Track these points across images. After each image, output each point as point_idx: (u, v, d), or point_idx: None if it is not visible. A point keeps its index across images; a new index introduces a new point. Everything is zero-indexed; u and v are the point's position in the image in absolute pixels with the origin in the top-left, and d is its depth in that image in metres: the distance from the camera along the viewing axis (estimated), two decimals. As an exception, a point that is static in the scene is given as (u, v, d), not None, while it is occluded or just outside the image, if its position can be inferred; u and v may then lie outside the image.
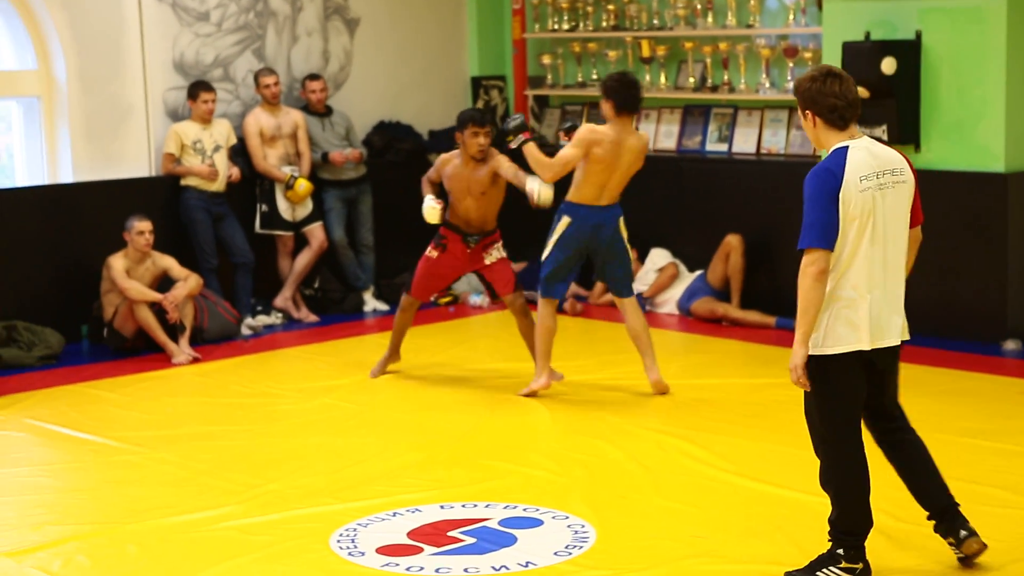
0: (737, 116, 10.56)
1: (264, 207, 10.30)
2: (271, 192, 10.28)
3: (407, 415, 7.59)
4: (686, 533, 5.55)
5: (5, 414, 7.73)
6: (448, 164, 8.11)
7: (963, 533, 5.01)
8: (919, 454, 5.06)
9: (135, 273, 9.12)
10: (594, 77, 11.36)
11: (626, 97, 7.60)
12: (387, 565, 5.30)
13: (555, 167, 7.58)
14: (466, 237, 8.07)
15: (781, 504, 5.86)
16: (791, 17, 10.12)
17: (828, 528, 4.95)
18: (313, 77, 10.58)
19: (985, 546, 5.03)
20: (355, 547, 5.50)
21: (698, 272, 10.13)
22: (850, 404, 4.87)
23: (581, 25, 11.41)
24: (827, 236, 4.71)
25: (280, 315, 10.25)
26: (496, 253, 8.11)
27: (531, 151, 7.60)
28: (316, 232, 10.41)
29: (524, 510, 5.92)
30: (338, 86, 11.12)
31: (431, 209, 8.02)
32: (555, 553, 5.39)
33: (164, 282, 9.25)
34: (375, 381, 8.34)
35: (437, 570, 5.24)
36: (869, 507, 4.92)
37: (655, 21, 10.94)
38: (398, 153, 11.20)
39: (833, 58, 9.33)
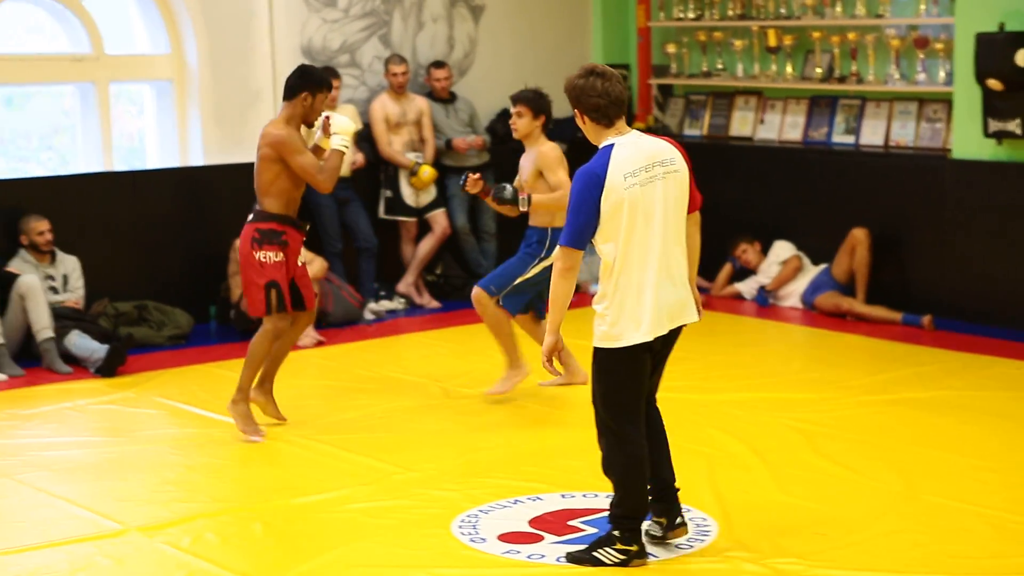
0: (865, 108, 10.43)
1: (388, 193, 10.41)
2: (395, 178, 10.38)
3: (529, 404, 7.62)
4: (808, 530, 5.51)
5: (136, 392, 7.92)
6: None
7: (678, 520, 5.30)
8: (658, 427, 5.32)
9: (262, 256, 9.25)
10: (719, 67, 11.29)
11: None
12: (508, 552, 5.33)
13: (563, 189, 7.30)
14: None
15: (908, 503, 5.80)
16: (922, 7, 9.96)
17: (608, 511, 5.21)
18: (438, 64, 10.66)
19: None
20: (476, 533, 5.54)
21: (823, 266, 10.04)
22: (634, 393, 5.10)
23: (707, 14, 11.34)
24: (580, 238, 4.98)
25: (403, 300, 10.36)
26: None
27: (539, 200, 7.32)
28: (439, 218, 10.49)
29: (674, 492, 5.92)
30: (462, 73, 11.19)
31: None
32: (677, 546, 5.38)
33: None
34: (499, 368, 8.37)
35: (558, 559, 5.27)
36: (647, 493, 5.17)
37: (782, 10, 10.83)
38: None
39: (966, 50, 9.19)
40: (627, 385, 5.10)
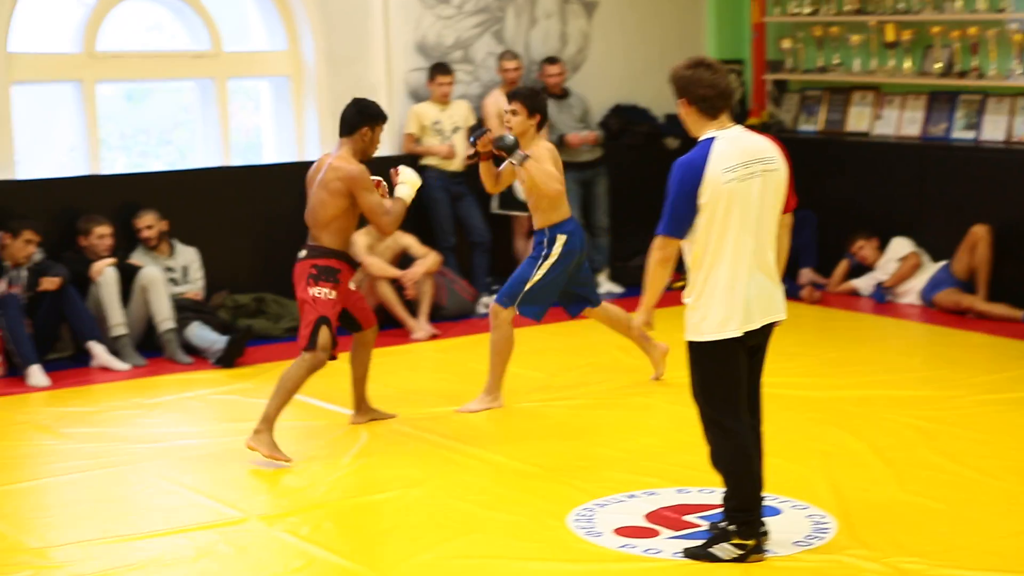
0: (986, 103, 10.25)
1: (501, 188, 10.43)
2: (508, 173, 10.40)
3: (645, 399, 7.60)
4: (932, 530, 5.44)
5: (254, 383, 8.03)
6: None
7: (761, 530, 5.19)
8: (759, 432, 5.25)
9: (376, 250, 9.36)
10: (835, 62, 11.17)
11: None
12: (624, 546, 5.33)
13: (558, 178, 7.23)
14: None
15: (1031, 503, 5.72)
16: (1047, 1, 9.79)
17: (721, 506, 5.20)
18: (551, 60, 10.67)
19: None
20: (592, 527, 5.55)
21: (942, 262, 9.89)
22: (731, 385, 5.08)
23: (823, 8, 11.22)
24: (679, 227, 4.97)
25: (515, 295, 10.37)
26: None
27: (534, 166, 7.12)
28: (551, 213, 10.48)
29: (762, 498, 5.88)
30: (575, 68, 11.19)
31: None
32: (794, 543, 5.34)
33: (404, 259, 9.47)
34: (615, 362, 8.38)
35: (674, 554, 5.25)
36: (758, 484, 5.14)
37: (900, 5, 10.68)
38: (634, 136, 11.22)
39: (1092, 44, 9.00)
40: (723, 378, 5.08)
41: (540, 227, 7.36)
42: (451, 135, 10.12)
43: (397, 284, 9.31)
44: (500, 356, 7.37)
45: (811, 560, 5.17)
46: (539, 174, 7.09)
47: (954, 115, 10.40)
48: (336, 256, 6.69)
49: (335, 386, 7.72)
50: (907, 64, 10.68)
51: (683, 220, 4.96)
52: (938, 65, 10.46)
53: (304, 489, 6.11)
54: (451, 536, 5.49)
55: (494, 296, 10.15)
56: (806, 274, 10.48)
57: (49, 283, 8.29)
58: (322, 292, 6.60)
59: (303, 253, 6.72)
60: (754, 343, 5.12)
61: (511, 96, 7.33)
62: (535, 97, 7.28)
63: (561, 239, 7.32)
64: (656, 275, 5.10)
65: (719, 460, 5.17)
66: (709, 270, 5.00)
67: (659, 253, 5.05)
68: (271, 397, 6.55)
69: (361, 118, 6.74)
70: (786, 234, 5.30)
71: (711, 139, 4.98)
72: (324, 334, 6.55)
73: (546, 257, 7.30)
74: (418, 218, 10.03)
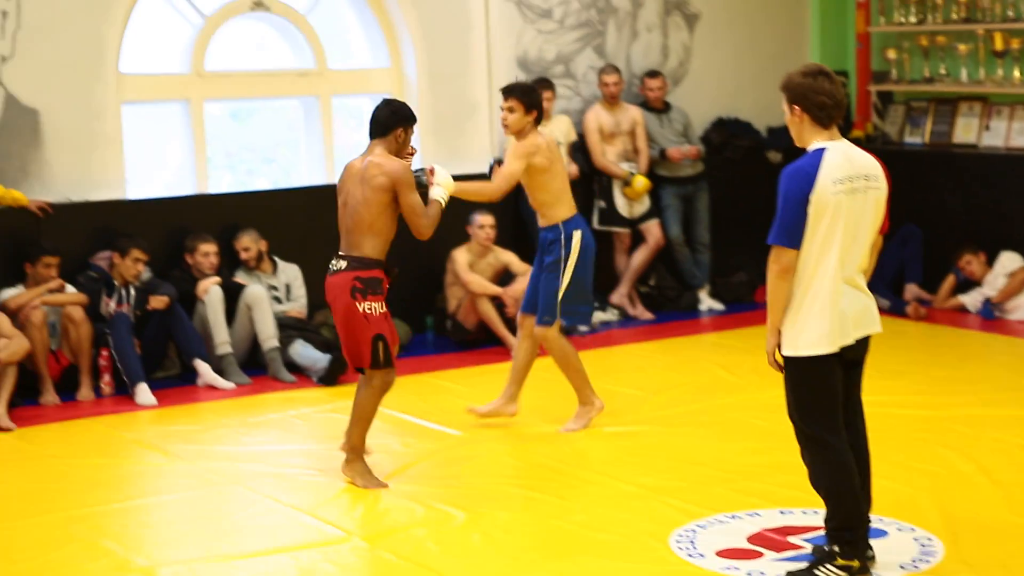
0: (1099, 114, 10.06)
1: (602, 203, 10.43)
2: (609, 188, 10.40)
3: (743, 416, 7.55)
4: (1043, 554, 5.34)
5: (355, 401, 8.08)
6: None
7: (868, 553, 5.13)
8: (860, 450, 5.17)
9: (477, 267, 9.40)
10: (942, 72, 11.01)
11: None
12: (727, 568, 5.29)
13: (508, 175, 7.08)
14: None
15: None
16: None
17: (824, 528, 5.10)
18: (652, 74, 10.65)
19: None
20: (694, 548, 5.51)
21: (1054, 278, 9.71)
22: (829, 401, 5.01)
23: (929, 18, 11.07)
24: (793, 236, 4.90)
25: (616, 311, 10.37)
26: None
27: (462, 188, 6.94)
28: (653, 229, 10.47)
29: (868, 518, 5.80)
30: (676, 82, 11.15)
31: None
32: (901, 566, 5.27)
33: (504, 276, 9.49)
34: (714, 381, 8.33)
35: (779, 577, 5.22)
36: (860, 502, 5.05)
37: (1009, 12, 10.50)
38: (736, 150, 11.15)
39: None
40: (820, 393, 5.01)
41: (550, 224, 7.22)
42: (552, 151, 10.12)
43: (498, 301, 9.33)
44: (571, 369, 7.35)
45: (916, 584, 5.11)
46: (469, 191, 7.15)
47: (1065, 126, 10.22)
48: (378, 266, 6.37)
49: (436, 405, 7.76)
50: (1016, 73, 10.50)
51: (796, 229, 4.90)
52: (1049, 75, 10.28)
53: (405, 508, 6.14)
54: (553, 557, 5.49)
55: (597, 313, 10.18)
56: (912, 290, 10.34)
57: (157, 302, 8.43)
58: (372, 308, 6.31)
59: (341, 264, 6.37)
60: (851, 357, 5.06)
61: (506, 92, 7.10)
62: (531, 93, 7.12)
63: (577, 235, 7.20)
64: (777, 289, 4.97)
65: (819, 478, 5.11)
66: (809, 282, 4.95)
67: (776, 266, 4.95)
68: (351, 425, 6.47)
69: (395, 119, 6.44)
70: (874, 255, 5.21)
71: (822, 149, 4.94)
72: (382, 351, 6.34)
73: (567, 259, 7.17)
74: (518, 235, 10.05)
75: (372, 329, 6.30)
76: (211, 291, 8.67)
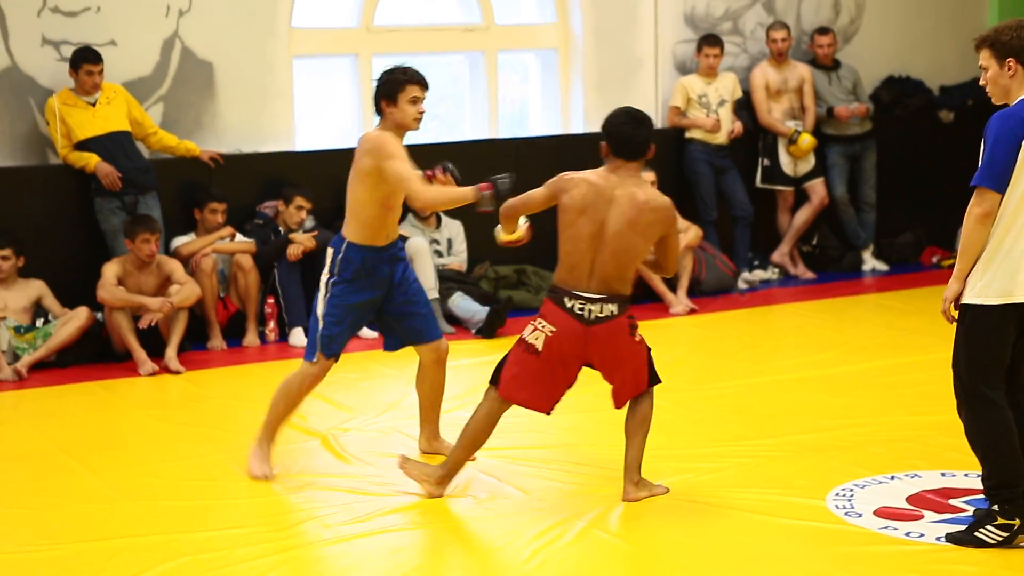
0: None
1: (766, 161, 10.28)
2: (774, 146, 10.24)
3: (904, 377, 7.38)
4: None
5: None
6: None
7: None
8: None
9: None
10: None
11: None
12: (885, 528, 5.19)
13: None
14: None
15: None
16: None
17: (983, 489, 4.97)
18: (822, 31, 10.43)
19: None
20: (852, 507, 5.42)
21: None
22: (998, 356, 4.88)
23: (1114, -26, 10.65)
24: (1000, 179, 4.74)
25: (777, 270, 10.23)
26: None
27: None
28: (817, 188, 10.29)
29: (1031, 480, 5.65)
30: (847, 39, 10.91)
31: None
32: (1066, 536, 5.11)
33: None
34: (876, 342, 8.16)
35: (938, 538, 5.09)
36: (1019, 459, 4.89)
37: None
38: (906, 109, 10.90)
39: None
40: (990, 346, 4.88)
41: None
42: (717, 108, 10.01)
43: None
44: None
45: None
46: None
47: None
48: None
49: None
50: None
51: (1004, 172, 4.75)
52: None
53: (563, 461, 6.13)
54: (710, 515, 5.42)
55: (757, 271, 10.07)
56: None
57: (295, 249, 8.45)
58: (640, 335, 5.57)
59: (612, 309, 5.34)
60: None
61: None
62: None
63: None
64: (974, 234, 4.79)
65: (976, 435, 4.98)
66: (1005, 231, 4.79)
67: (978, 209, 4.77)
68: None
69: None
70: None
71: None
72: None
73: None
74: (681, 191, 9.96)
75: (644, 347, 5.60)
76: (374, 242, 8.75)
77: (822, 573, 4.84)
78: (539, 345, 5.31)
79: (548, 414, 5.55)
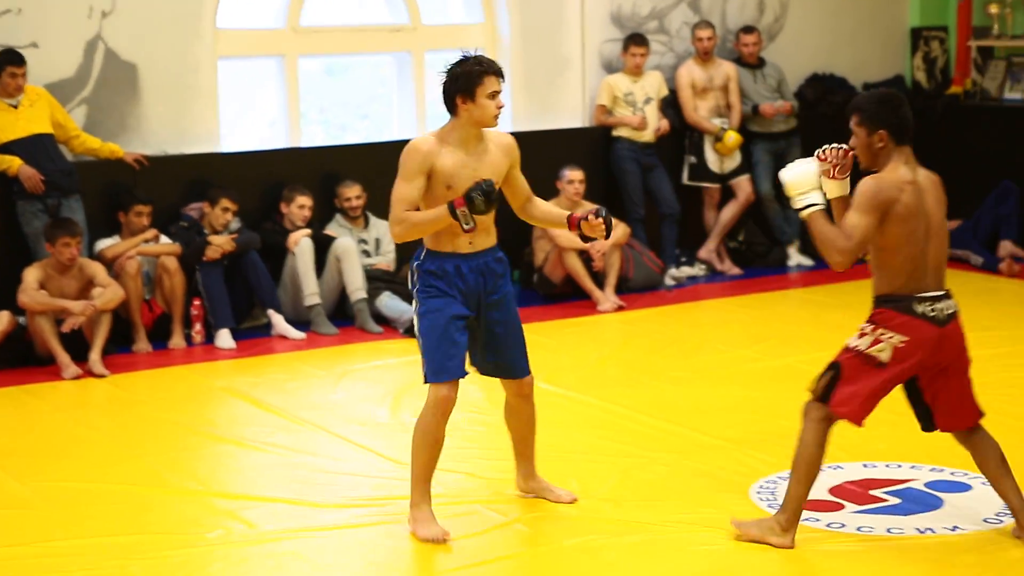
0: None
1: (692, 159, 10.33)
2: (700, 144, 10.30)
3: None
4: None
5: (442, 351, 8.10)
6: None
7: None
8: None
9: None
10: (1044, 27, 10.76)
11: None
12: (807, 520, 5.22)
13: None
14: None
15: None
16: None
17: None
18: (747, 30, 10.51)
19: None
20: (775, 499, 5.46)
21: None
22: None
23: (1031, -28, 10.81)
24: None
25: (704, 266, 10.29)
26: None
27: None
28: (743, 185, 10.36)
29: (952, 474, 5.73)
30: (772, 38, 10.99)
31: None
32: (984, 520, 5.19)
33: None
34: (801, 336, 8.23)
35: (859, 528, 5.15)
36: None
37: (1114, -34, 10.23)
38: (831, 106, 10.97)
39: None
40: None
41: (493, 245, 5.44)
42: (643, 106, 10.06)
43: (585, 255, 9.29)
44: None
45: (1001, 539, 5.02)
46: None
47: None
48: None
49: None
50: (1121, 29, 10.23)
51: None
52: None
53: (487, 457, 6.14)
54: (633, 507, 5.45)
55: (684, 268, 10.13)
56: (1006, 246, 10.12)
57: (213, 251, 8.38)
58: None
59: (954, 306, 5.00)
60: None
61: None
62: None
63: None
64: None
65: None
66: None
67: None
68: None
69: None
70: None
71: None
72: None
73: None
74: (608, 189, 10.01)
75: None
76: (301, 243, 8.73)
77: (741, 564, 4.88)
78: (884, 357, 4.92)
79: (861, 426, 5.06)
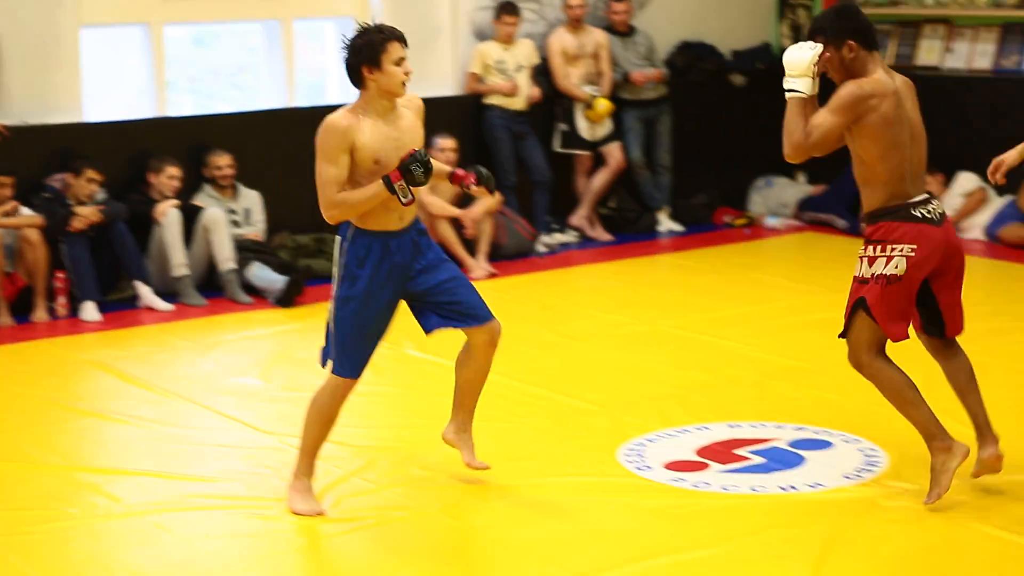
0: (1060, 35, 10.02)
1: (564, 126, 10.35)
2: (571, 111, 10.32)
3: (697, 335, 7.53)
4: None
5: (313, 322, 7.96)
6: None
7: None
8: None
9: (437, 190, 9.32)
10: (905, -6, 10.96)
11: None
12: (674, 480, 5.30)
13: None
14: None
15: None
16: (1122, -72, 9.49)
17: None
18: (617, -4, 10.55)
19: None
20: (642, 460, 5.52)
21: (1008, 197, 9.69)
22: None
23: (893, -60, 10.98)
24: None
25: (575, 233, 10.33)
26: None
27: None
28: (614, 151, 10.41)
29: (814, 432, 5.83)
30: (642, 5, 11.03)
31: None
32: (844, 476, 5.29)
33: (464, 199, 9.43)
34: (671, 301, 8.31)
35: (724, 487, 5.22)
36: None
37: (973, -65, 10.43)
38: (700, 73, 11.07)
39: None
40: None
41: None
42: (514, 74, 10.05)
43: (457, 223, 9.28)
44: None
45: (860, 493, 5.13)
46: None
47: (1028, 47, 10.16)
48: None
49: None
50: (979, -4, 10.45)
51: None
52: (1011, -4, 10.22)
53: (355, 424, 6.11)
54: (505, 460, 5.49)
55: (556, 235, 10.16)
56: (873, 210, 10.31)
57: (79, 222, 8.24)
58: None
59: (943, 208, 5.08)
60: None
61: None
62: None
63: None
64: None
65: None
66: None
67: None
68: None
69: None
70: None
71: None
72: None
73: None
74: (480, 157, 9.98)
75: None
76: (169, 214, 8.59)
77: (607, 524, 4.93)
78: (900, 271, 4.88)
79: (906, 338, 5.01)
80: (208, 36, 10.53)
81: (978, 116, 10.12)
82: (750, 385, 6.55)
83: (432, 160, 4.96)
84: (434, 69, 10.21)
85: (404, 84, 4.95)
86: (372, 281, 5.00)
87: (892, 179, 4.90)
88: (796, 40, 11.41)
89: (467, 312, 5.19)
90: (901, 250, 4.89)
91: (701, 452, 5.65)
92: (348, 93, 10.15)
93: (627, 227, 10.52)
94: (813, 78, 4.93)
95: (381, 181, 4.87)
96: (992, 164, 5.26)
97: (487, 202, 9.31)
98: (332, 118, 4.94)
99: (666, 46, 11.09)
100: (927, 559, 4.62)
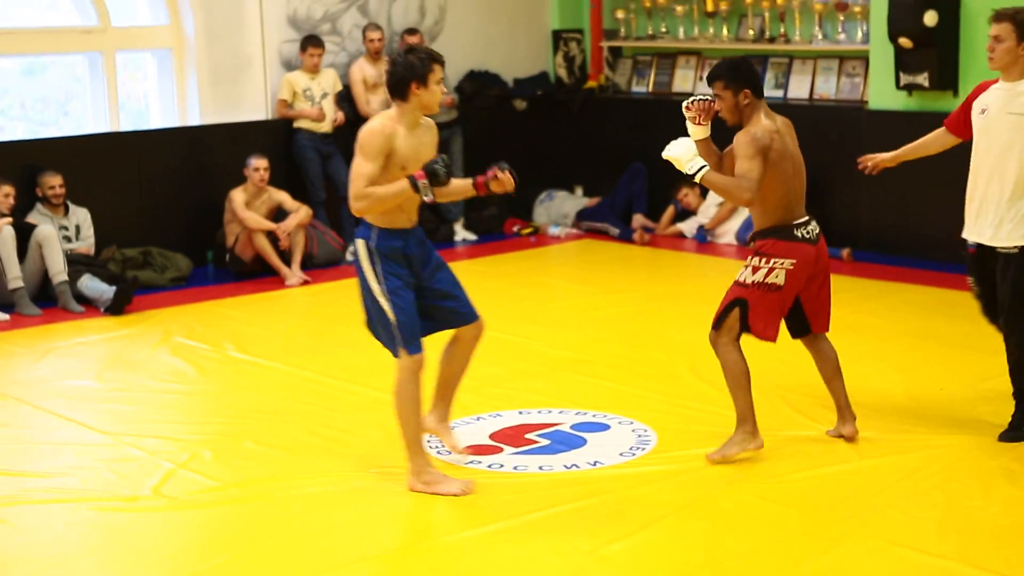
0: (792, 65, 10.37)
1: (367, 147, 10.29)
2: (373, 134, 10.26)
3: (490, 332, 7.54)
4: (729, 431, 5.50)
5: (141, 328, 7.85)
6: None
7: None
8: None
9: (253, 205, 9.21)
10: (663, 30, 11.20)
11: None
12: (471, 462, 5.33)
13: None
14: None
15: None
16: (842, -26, 9.89)
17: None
18: (411, 31, 10.53)
19: None
20: (443, 446, 5.53)
21: (755, 206, 10.01)
22: None
23: (652, -17, 11.22)
24: None
25: (381, 243, 10.28)
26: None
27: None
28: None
29: (593, 416, 5.93)
30: (433, 38, 11.06)
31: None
32: (620, 454, 5.40)
33: (278, 213, 9.33)
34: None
35: (515, 467, 5.28)
36: None
37: (718, -21, 10.73)
38: (486, 99, 11.15)
39: (880, 12, 9.13)
40: None
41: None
42: (320, 100, 9.97)
43: (272, 236, 9.17)
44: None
45: (633, 468, 5.22)
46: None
47: (765, 76, 10.49)
48: None
49: (214, 329, 7.55)
50: (725, 31, 10.75)
51: None
52: (751, 32, 10.54)
53: (184, 421, 6.00)
54: (303, 457, 5.44)
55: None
56: (638, 219, 10.54)
57: None
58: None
59: (817, 229, 5.32)
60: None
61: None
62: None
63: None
64: None
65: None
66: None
67: None
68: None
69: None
70: None
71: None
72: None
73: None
74: (290, 176, 9.89)
75: None
76: (3, 230, 8.28)
77: (404, 506, 4.94)
78: (780, 281, 5.16)
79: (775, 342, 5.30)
80: (38, 67, 10.19)
81: (727, 136, 10.38)
82: (537, 376, 6.62)
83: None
84: (247, 96, 10.07)
85: (439, 103, 5.04)
86: (407, 269, 5.05)
87: (779, 205, 5.18)
88: (569, 69, 11.65)
89: (461, 312, 5.30)
90: (782, 263, 5.18)
91: (494, 436, 5.70)
92: (168, 117, 10.00)
93: (427, 237, 10.49)
94: (698, 124, 5.27)
95: (406, 180, 4.89)
96: (867, 157, 5.66)
97: (299, 215, 9.22)
98: (378, 123, 4.96)
99: (456, 74, 11.14)
100: (703, 519, 4.73)
